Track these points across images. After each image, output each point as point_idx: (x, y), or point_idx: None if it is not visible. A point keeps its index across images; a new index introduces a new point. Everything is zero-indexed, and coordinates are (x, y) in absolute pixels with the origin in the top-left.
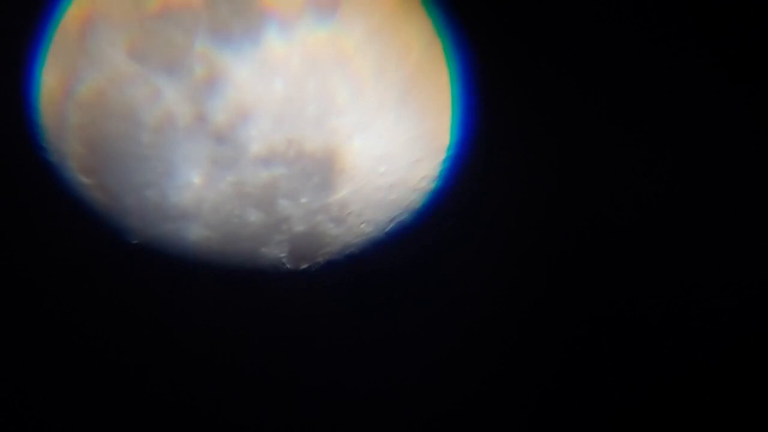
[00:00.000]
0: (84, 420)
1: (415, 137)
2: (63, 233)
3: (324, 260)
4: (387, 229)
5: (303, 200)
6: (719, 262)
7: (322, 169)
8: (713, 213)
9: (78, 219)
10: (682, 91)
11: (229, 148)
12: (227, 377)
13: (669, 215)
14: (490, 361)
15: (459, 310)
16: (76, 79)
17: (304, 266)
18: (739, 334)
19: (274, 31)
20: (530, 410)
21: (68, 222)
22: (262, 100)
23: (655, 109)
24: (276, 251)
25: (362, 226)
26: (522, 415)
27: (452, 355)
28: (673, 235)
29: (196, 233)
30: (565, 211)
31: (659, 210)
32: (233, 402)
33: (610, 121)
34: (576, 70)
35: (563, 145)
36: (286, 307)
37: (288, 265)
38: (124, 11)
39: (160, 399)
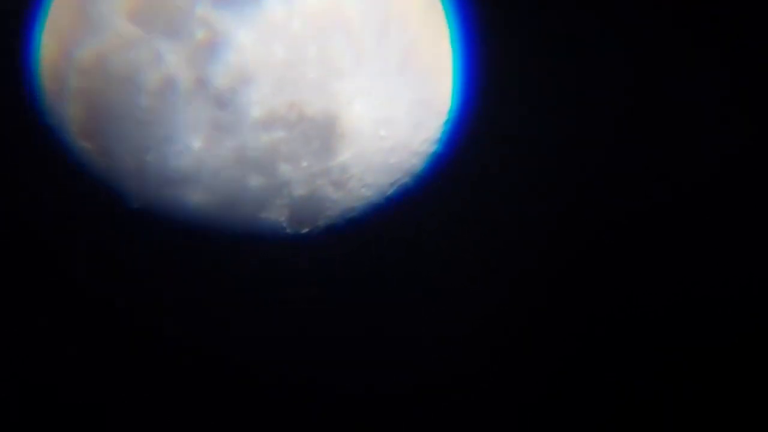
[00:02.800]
0: (80, 385)
1: (416, 101)
2: (62, 198)
3: (324, 224)
4: (388, 193)
5: (303, 164)
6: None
7: (322, 134)
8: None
9: (78, 183)
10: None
11: (229, 113)
12: (227, 342)
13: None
14: (490, 328)
15: (459, 274)
16: (75, 44)
17: (304, 230)
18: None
19: None
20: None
21: (68, 186)
22: (263, 65)
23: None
24: (276, 215)
25: (363, 189)
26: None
27: (452, 320)
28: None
29: (196, 198)
30: (566, 174)
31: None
32: (232, 368)
33: (615, 87)
34: (582, 34)
35: (565, 109)
36: (287, 271)
37: (288, 229)
38: None
39: (158, 366)
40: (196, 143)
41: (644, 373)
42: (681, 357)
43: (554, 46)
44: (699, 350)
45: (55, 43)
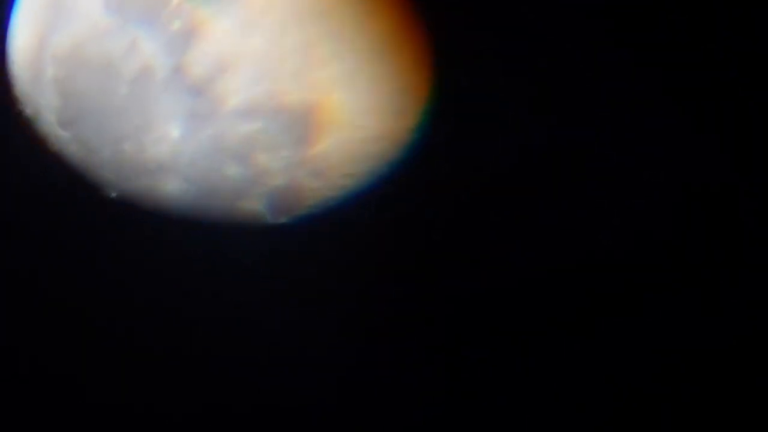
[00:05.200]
0: (61, 374)
1: (395, 90)
2: (39, 187)
3: (304, 214)
4: (368, 183)
5: (282, 154)
6: None
7: (301, 123)
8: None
9: (54, 172)
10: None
11: (207, 102)
12: (207, 331)
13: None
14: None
15: (442, 262)
16: (51, 31)
17: (283, 220)
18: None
19: None
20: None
21: (45, 175)
22: (241, 54)
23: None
24: (255, 205)
25: (342, 179)
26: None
27: (434, 308)
28: None
29: (173, 187)
30: (549, 161)
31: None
32: (213, 356)
33: (597, 75)
34: (565, 20)
35: (549, 94)
36: (265, 261)
37: (267, 219)
38: None
39: (140, 355)
40: (174, 132)
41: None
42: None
43: (539, 34)
44: None
45: (30, 31)
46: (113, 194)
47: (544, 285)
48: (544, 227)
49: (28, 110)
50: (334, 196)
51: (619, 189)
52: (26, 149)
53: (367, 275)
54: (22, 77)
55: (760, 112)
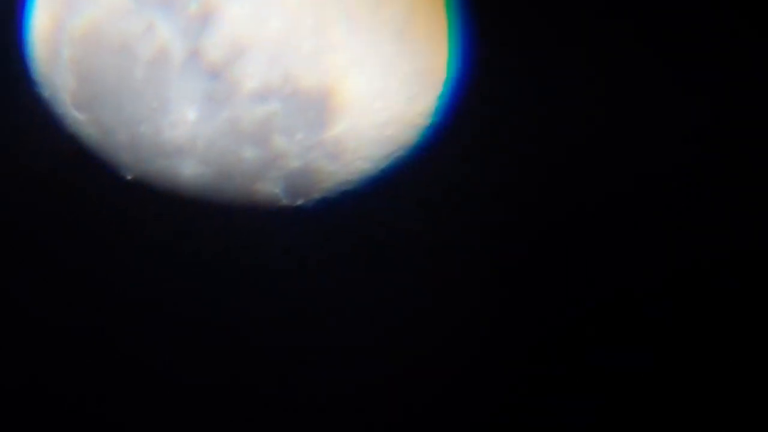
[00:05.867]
0: (76, 357)
1: (411, 73)
2: (56, 169)
3: (319, 197)
4: (383, 166)
5: (298, 136)
6: None
7: (317, 106)
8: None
9: (71, 155)
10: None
11: (223, 84)
12: (221, 312)
13: None
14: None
15: (454, 247)
16: (69, 13)
17: (299, 202)
18: None
19: None
20: None
21: (62, 157)
22: (258, 37)
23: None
24: (271, 187)
25: (358, 162)
26: None
27: (447, 294)
28: None
29: (190, 169)
30: (563, 145)
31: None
32: (227, 337)
33: (616, 54)
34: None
35: (563, 78)
36: (281, 243)
37: (283, 202)
38: None
39: (154, 337)
40: (190, 115)
41: None
42: None
43: (555, 17)
44: None
45: (47, 13)
46: (129, 176)
47: None
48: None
49: (45, 92)
50: (351, 179)
51: None
52: (42, 131)
53: (383, 257)
54: (39, 59)
55: None
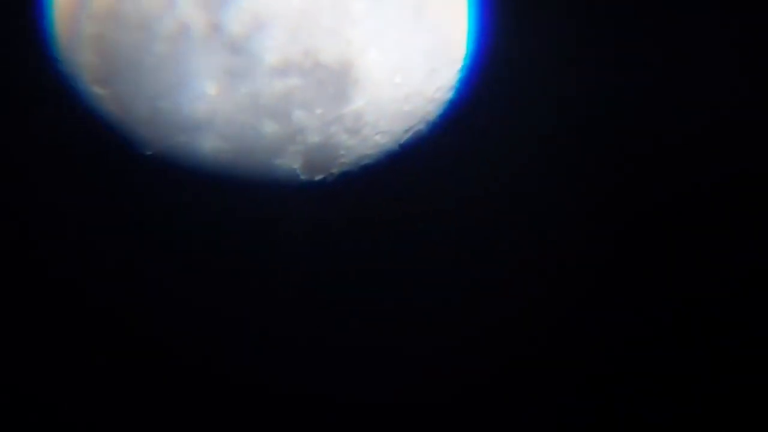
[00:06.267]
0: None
1: (431, 47)
2: (76, 144)
3: (339, 171)
4: (402, 140)
5: (318, 111)
6: None
7: (337, 80)
8: None
9: (91, 130)
10: None
11: (243, 59)
12: (239, 287)
13: None
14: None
15: (471, 223)
16: None
17: (318, 177)
18: None
19: None
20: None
21: (81, 133)
22: (278, 11)
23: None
24: (290, 162)
25: (377, 137)
26: None
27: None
28: None
29: (210, 144)
30: (583, 121)
31: None
32: (244, 316)
33: (633, 29)
34: None
35: (583, 54)
36: (300, 218)
37: (302, 176)
38: None
39: (169, 313)
40: (210, 89)
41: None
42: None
43: None
44: None
45: None
46: (150, 152)
47: None
48: None
49: (66, 68)
50: (370, 154)
51: None
52: (64, 107)
53: (402, 232)
54: (59, 35)
55: None
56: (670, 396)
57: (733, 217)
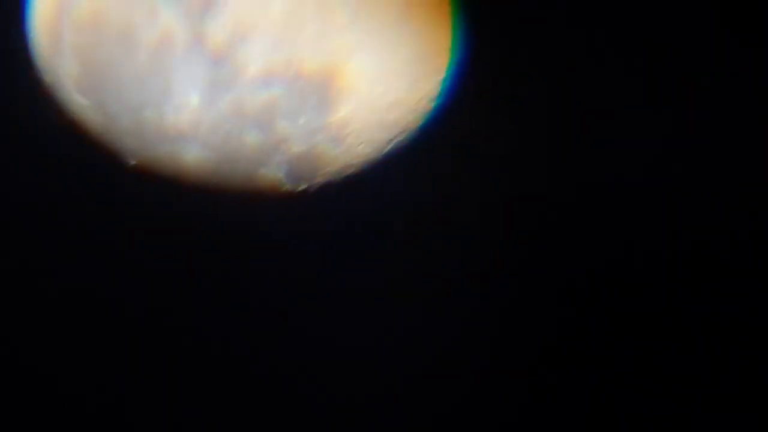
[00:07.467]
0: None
1: (414, 57)
2: (59, 154)
3: (322, 181)
4: (386, 150)
5: (301, 121)
6: None
7: (320, 90)
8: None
9: (74, 140)
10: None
11: (227, 69)
12: (226, 298)
13: None
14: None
15: (455, 232)
16: None
17: (302, 187)
18: None
19: None
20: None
21: (64, 143)
22: (261, 21)
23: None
24: (274, 172)
25: (361, 146)
26: None
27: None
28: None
29: (193, 154)
30: (567, 132)
31: None
32: (229, 325)
33: (620, 38)
34: None
35: (567, 64)
36: (284, 228)
37: (286, 186)
38: None
39: (157, 323)
40: (194, 100)
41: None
42: None
43: (558, 3)
44: None
45: None
46: (133, 162)
47: None
48: None
49: (48, 77)
50: (354, 163)
51: None
52: (45, 117)
53: (386, 241)
54: (41, 44)
55: None
56: (670, 396)
57: (732, 216)
